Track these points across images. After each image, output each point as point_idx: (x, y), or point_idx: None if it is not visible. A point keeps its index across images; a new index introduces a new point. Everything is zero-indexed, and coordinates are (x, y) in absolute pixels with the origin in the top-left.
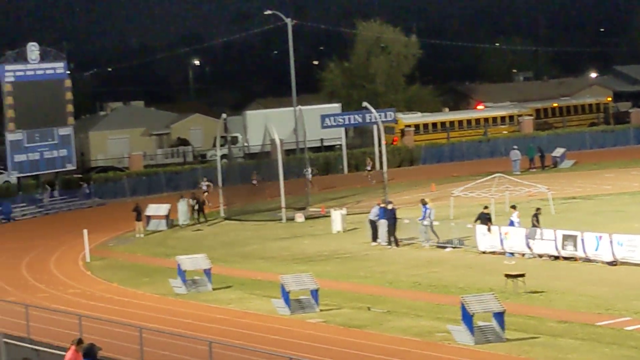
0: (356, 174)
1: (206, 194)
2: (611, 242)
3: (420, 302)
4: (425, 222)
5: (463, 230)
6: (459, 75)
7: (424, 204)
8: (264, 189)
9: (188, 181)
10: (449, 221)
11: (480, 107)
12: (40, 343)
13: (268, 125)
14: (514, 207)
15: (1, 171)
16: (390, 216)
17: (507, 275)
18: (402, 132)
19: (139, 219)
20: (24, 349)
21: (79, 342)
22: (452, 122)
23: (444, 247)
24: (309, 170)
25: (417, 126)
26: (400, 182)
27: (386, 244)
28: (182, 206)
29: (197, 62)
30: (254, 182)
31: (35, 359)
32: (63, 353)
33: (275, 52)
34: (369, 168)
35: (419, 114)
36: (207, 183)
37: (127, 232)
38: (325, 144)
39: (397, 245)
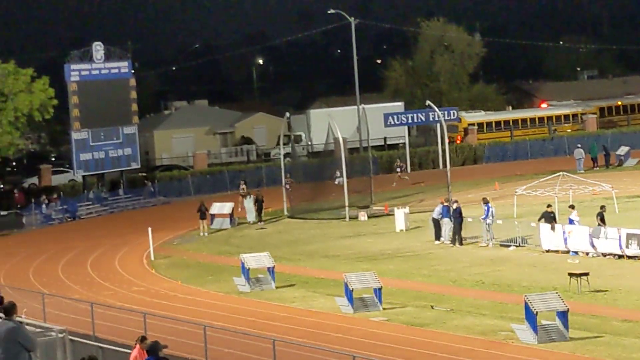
0: (419, 173)
1: (244, 197)
2: None
3: (484, 300)
4: (488, 221)
5: (527, 228)
6: (523, 74)
7: (486, 202)
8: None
9: (252, 179)
10: (512, 220)
11: (544, 105)
12: (105, 341)
13: (331, 124)
14: (572, 206)
15: (67, 170)
16: (456, 215)
17: (571, 274)
18: (466, 131)
19: (203, 217)
20: (89, 347)
21: (143, 339)
22: (515, 121)
23: (508, 246)
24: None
25: (480, 125)
26: (463, 180)
27: (449, 242)
28: (249, 204)
29: (260, 61)
30: (287, 186)
31: (100, 356)
32: (128, 351)
33: (339, 50)
34: (398, 170)
35: (483, 112)
36: (244, 186)
37: (192, 230)
38: (389, 142)
39: (460, 243)
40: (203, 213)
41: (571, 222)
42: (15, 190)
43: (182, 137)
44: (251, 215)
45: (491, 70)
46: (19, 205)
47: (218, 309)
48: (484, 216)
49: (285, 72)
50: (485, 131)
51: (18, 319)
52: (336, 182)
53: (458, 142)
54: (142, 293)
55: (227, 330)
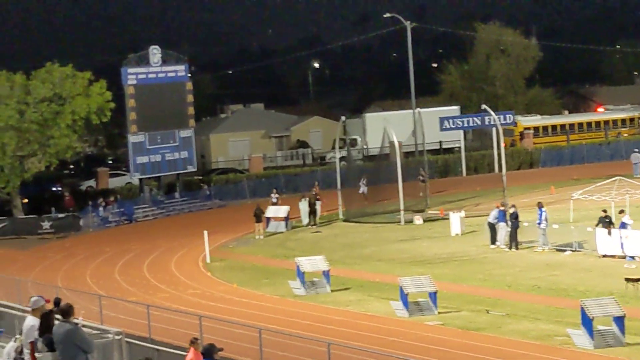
0: (475, 177)
1: (275, 206)
2: None
3: (539, 305)
4: (543, 225)
5: (583, 233)
6: (579, 78)
7: (541, 207)
8: (374, 192)
9: (307, 183)
10: (568, 224)
11: (600, 109)
12: (161, 343)
13: (387, 128)
14: (622, 211)
15: (123, 173)
16: (512, 219)
17: (628, 279)
18: (522, 135)
19: (258, 220)
20: (145, 349)
21: (194, 341)
22: (572, 125)
23: (564, 251)
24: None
25: (536, 129)
26: (519, 185)
27: (505, 246)
28: (304, 206)
29: (317, 65)
30: (421, 177)
31: (156, 358)
32: (183, 353)
33: (394, 54)
34: (421, 179)
35: (539, 116)
36: (276, 195)
37: (247, 233)
38: (444, 146)
39: (516, 248)
40: (259, 216)
41: (623, 225)
42: (65, 193)
43: (238, 141)
44: (306, 218)
45: (547, 74)
46: (70, 209)
47: (273, 312)
48: (538, 221)
49: (341, 76)
50: (541, 135)
51: (75, 320)
52: (360, 192)
53: (514, 146)
54: (198, 296)
55: (282, 334)
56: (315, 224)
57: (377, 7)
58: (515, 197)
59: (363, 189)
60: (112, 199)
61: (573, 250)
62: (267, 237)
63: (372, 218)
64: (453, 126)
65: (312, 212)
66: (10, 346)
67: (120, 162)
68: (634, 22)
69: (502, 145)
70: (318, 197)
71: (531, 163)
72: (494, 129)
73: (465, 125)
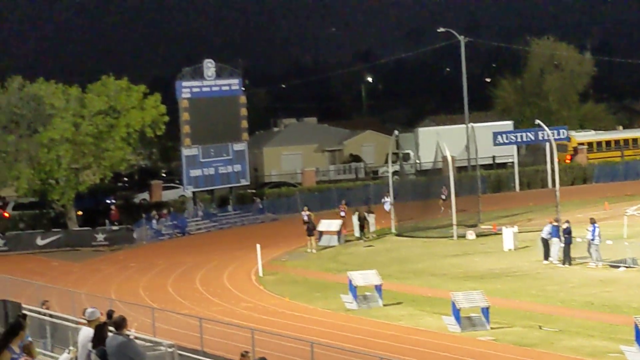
0: (528, 192)
1: (307, 224)
2: None
3: (593, 321)
4: (596, 241)
5: (637, 249)
6: (634, 93)
7: (593, 222)
8: (426, 207)
9: (360, 197)
10: (622, 240)
11: None
12: (213, 356)
13: (440, 142)
14: None
15: (177, 186)
16: (566, 235)
17: None
18: (575, 150)
19: (310, 234)
20: None
21: (244, 354)
22: (626, 140)
23: (617, 267)
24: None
25: (590, 144)
26: (572, 200)
27: (558, 262)
28: (355, 219)
29: (369, 79)
30: (443, 196)
31: None
32: None
33: (447, 69)
34: (443, 197)
35: (593, 131)
36: (307, 213)
37: (300, 247)
38: (497, 161)
39: (569, 264)
40: (311, 230)
41: None
42: (111, 207)
43: (291, 154)
44: (358, 231)
45: (601, 89)
46: (116, 222)
47: (325, 326)
48: (591, 237)
49: (394, 90)
50: (595, 151)
51: (128, 333)
52: (386, 209)
53: (567, 161)
54: (250, 309)
55: (334, 348)
56: (365, 238)
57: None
58: (568, 212)
59: (387, 205)
60: (165, 211)
61: (627, 267)
62: (320, 251)
63: (424, 232)
64: (506, 141)
65: (362, 226)
66: (64, 358)
67: (174, 175)
68: None
69: (555, 160)
70: (371, 210)
71: (585, 179)
72: (547, 144)
73: (519, 140)
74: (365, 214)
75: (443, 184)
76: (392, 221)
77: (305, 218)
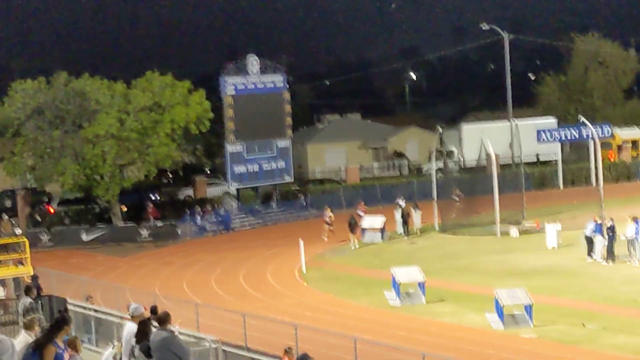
0: (572, 189)
1: (329, 226)
2: None
3: (636, 319)
4: None
5: None
6: None
7: (636, 219)
8: (470, 204)
9: (404, 194)
10: None
11: None
12: (256, 351)
13: (483, 139)
14: None
15: (221, 182)
16: (610, 232)
17: None
18: (620, 148)
19: (352, 231)
20: (241, 357)
21: (288, 350)
22: None
23: None
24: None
25: (634, 142)
26: (616, 198)
27: (602, 259)
28: (398, 216)
29: (413, 75)
30: (456, 198)
31: None
32: None
33: (492, 65)
34: (456, 198)
35: (637, 129)
36: (329, 214)
37: (343, 243)
38: (541, 158)
39: (613, 261)
40: (353, 226)
41: None
42: (149, 204)
43: (334, 151)
44: (400, 229)
45: None
46: (153, 219)
47: (368, 322)
48: (635, 234)
49: (438, 87)
50: (639, 148)
51: (172, 328)
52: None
53: (611, 159)
54: (294, 305)
55: (377, 344)
56: (408, 235)
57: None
58: (612, 210)
59: (401, 205)
60: (209, 207)
61: None
62: (363, 248)
63: (467, 230)
64: (550, 138)
65: (405, 222)
66: (109, 353)
67: (218, 172)
68: None
69: (601, 157)
70: (418, 206)
71: (629, 176)
72: (591, 142)
73: (563, 137)
74: (412, 209)
75: (454, 185)
76: (436, 218)
77: (327, 219)
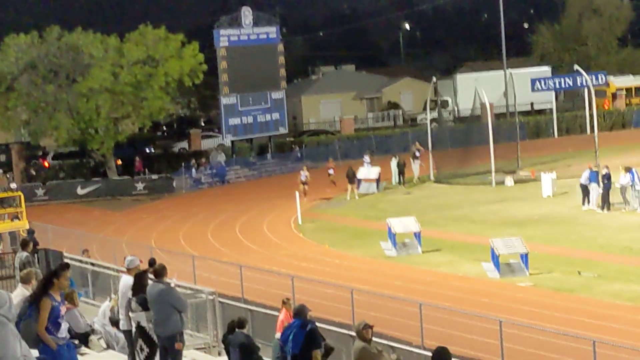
0: (567, 138)
1: (305, 186)
2: None
3: (632, 266)
4: (638, 187)
5: None
6: None
7: (629, 169)
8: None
9: (398, 145)
10: None
11: None
12: (253, 303)
13: (478, 89)
14: None
15: (216, 134)
16: (605, 180)
17: None
18: (614, 96)
19: (351, 182)
20: (237, 309)
21: (285, 301)
22: None
23: None
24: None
25: (629, 90)
26: (611, 146)
27: (597, 208)
28: (394, 166)
29: (407, 26)
30: (417, 152)
31: (248, 318)
32: (276, 313)
33: (485, 15)
34: (417, 154)
35: (632, 77)
36: (306, 173)
37: (338, 194)
38: (536, 107)
39: (608, 209)
40: (351, 178)
41: None
42: (136, 158)
43: (329, 102)
44: (396, 178)
45: None
46: (140, 173)
47: (365, 272)
48: (631, 182)
49: (432, 37)
50: (634, 96)
51: (169, 281)
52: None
53: (606, 107)
54: (290, 257)
55: (373, 294)
56: (404, 184)
57: None
58: (607, 158)
59: (367, 163)
60: (204, 160)
61: None
62: (359, 199)
63: (463, 180)
64: (545, 87)
65: (401, 172)
66: (106, 305)
67: (213, 124)
68: None
69: (594, 106)
70: (416, 156)
71: (623, 124)
72: (586, 90)
73: (557, 86)
74: (411, 160)
75: (416, 140)
76: (431, 168)
77: (303, 178)
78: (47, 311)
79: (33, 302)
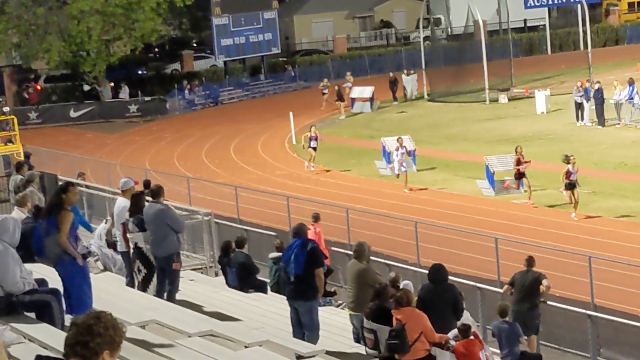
0: (560, 55)
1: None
2: None
3: (626, 182)
4: (635, 101)
5: None
6: None
7: (631, 83)
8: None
9: (391, 63)
10: None
11: None
12: (249, 223)
13: (471, 6)
14: None
15: (208, 55)
16: (598, 96)
17: None
18: (607, 11)
19: (341, 100)
20: (234, 229)
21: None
22: None
23: None
24: (326, 85)
25: (631, 3)
26: (604, 62)
27: (591, 123)
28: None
29: None
30: (324, 90)
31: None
32: (272, 233)
33: None
34: (325, 91)
35: None
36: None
37: (331, 114)
38: (529, 24)
39: (602, 125)
40: (341, 96)
41: None
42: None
43: (321, 22)
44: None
45: None
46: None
47: (360, 192)
48: (628, 97)
49: None
50: (627, 12)
51: (166, 202)
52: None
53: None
54: (285, 177)
55: (369, 213)
56: (396, 100)
57: None
58: (600, 74)
59: (325, 91)
60: (197, 82)
61: None
62: (352, 118)
63: (457, 97)
64: (538, 4)
65: (393, 90)
66: (102, 227)
67: (205, 45)
68: None
69: (587, 22)
70: (412, 71)
71: (617, 40)
72: (579, 6)
73: (550, 2)
74: (403, 76)
75: (324, 78)
76: (425, 87)
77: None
78: (68, 223)
79: (50, 212)
